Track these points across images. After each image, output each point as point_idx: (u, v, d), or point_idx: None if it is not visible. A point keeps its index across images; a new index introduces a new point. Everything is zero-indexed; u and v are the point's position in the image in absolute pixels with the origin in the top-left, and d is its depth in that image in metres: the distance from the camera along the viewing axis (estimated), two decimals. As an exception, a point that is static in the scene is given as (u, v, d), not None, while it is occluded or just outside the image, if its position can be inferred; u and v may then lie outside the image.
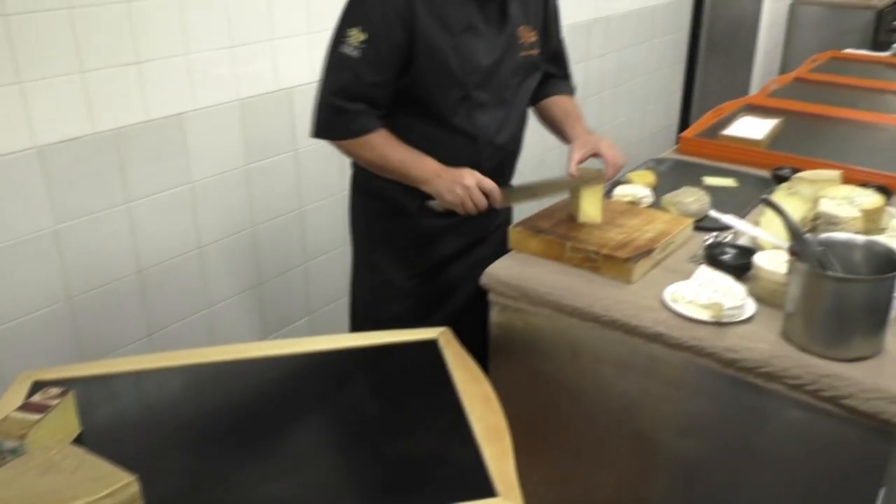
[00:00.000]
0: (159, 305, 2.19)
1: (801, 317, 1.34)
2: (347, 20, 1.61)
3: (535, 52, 1.79)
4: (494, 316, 1.68)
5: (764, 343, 1.37)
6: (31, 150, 1.82)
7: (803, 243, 1.34)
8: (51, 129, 1.84)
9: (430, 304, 1.90)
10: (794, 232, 1.35)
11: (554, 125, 1.92)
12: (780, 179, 2.08)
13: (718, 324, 1.42)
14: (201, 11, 2.08)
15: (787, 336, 1.38)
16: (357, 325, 2.06)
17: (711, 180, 2.13)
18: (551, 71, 1.93)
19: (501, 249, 1.77)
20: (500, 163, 1.79)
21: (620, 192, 1.96)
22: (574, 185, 1.75)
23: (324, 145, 2.49)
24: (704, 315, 1.43)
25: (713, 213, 1.70)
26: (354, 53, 1.59)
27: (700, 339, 1.40)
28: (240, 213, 2.35)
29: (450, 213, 1.70)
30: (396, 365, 1.55)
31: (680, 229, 1.73)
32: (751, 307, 1.46)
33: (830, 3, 6.03)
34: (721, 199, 1.98)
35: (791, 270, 1.35)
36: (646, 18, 4.13)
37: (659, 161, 2.27)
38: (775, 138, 2.41)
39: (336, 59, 1.62)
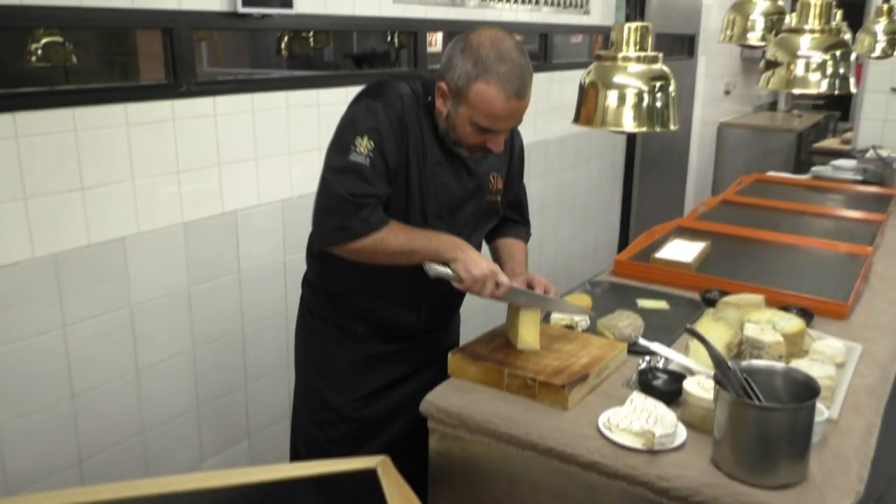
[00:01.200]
0: (91, 431, 2.13)
1: (728, 444, 1.38)
2: (354, 128, 1.63)
3: (498, 198, 1.88)
4: (434, 443, 1.68)
5: (694, 471, 1.40)
6: (-33, 276, 1.81)
7: (726, 371, 1.40)
8: (-12, 255, 1.84)
9: (371, 429, 1.90)
10: (718, 361, 1.41)
11: (498, 264, 1.98)
12: (708, 302, 2.17)
13: (651, 452, 1.44)
14: (148, 136, 2.13)
15: (716, 463, 1.41)
16: (297, 448, 2.03)
17: (645, 303, 2.21)
18: (510, 216, 2.02)
19: (445, 374, 1.79)
20: (444, 294, 1.80)
21: (557, 316, 2.01)
22: (568, 309, 1.91)
23: (268, 267, 2.54)
24: (637, 443, 1.46)
25: (642, 341, 1.76)
26: (364, 161, 1.60)
27: (633, 467, 1.43)
28: (180, 336, 2.33)
29: (415, 309, 1.77)
30: (334, 496, 1.53)
31: (614, 354, 1.78)
32: (682, 434, 1.49)
33: (755, 126, 6.44)
34: (654, 321, 2.05)
35: (717, 399, 1.40)
36: (582, 141, 4.35)
37: (594, 284, 2.35)
38: (704, 261, 2.53)
39: (345, 167, 1.61)
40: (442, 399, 1.66)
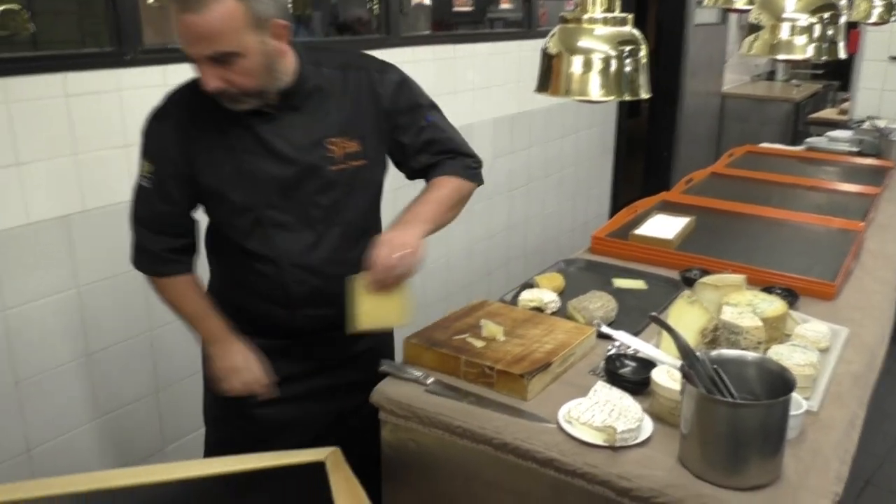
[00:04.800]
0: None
1: (695, 441, 1.27)
2: (141, 151, 1.57)
3: (360, 162, 1.59)
4: (385, 435, 1.57)
5: (659, 470, 1.29)
6: None
7: (694, 363, 1.28)
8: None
9: (269, 432, 1.72)
10: (685, 351, 1.29)
11: None
12: (688, 282, 2.05)
13: (613, 448, 1.33)
14: (91, 107, 1.99)
15: (682, 461, 1.30)
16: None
17: (621, 282, 2.09)
18: (431, 160, 1.69)
19: (364, 376, 1.64)
20: (315, 287, 1.61)
21: (526, 297, 1.90)
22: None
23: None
24: (598, 439, 1.34)
25: (605, 329, 1.64)
26: (146, 184, 1.55)
27: (594, 465, 1.32)
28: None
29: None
30: (278, 490, 1.43)
31: (581, 340, 1.67)
32: (648, 428, 1.38)
33: (752, 96, 6.28)
34: (629, 303, 1.94)
35: (683, 393, 1.29)
36: (569, 113, 4.19)
37: (569, 262, 2.22)
38: (686, 237, 2.40)
39: (135, 191, 1.59)
40: (394, 388, 1.55)
